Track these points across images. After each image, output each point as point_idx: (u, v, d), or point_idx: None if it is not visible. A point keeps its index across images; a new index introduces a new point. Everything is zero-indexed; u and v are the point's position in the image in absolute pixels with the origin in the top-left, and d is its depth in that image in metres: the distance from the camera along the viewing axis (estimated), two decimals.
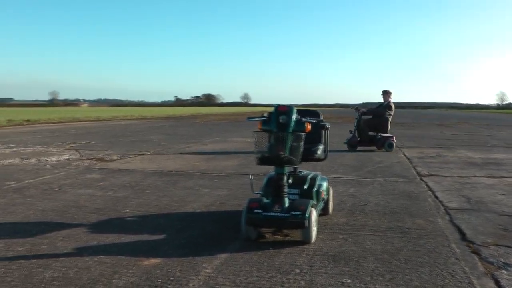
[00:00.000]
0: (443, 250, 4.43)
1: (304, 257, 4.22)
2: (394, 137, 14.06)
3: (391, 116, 14.40)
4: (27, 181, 8.13)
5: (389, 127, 14.33)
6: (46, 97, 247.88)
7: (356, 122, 14.27)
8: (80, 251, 4.35)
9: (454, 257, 4.24)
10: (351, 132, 14.24)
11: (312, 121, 4.85)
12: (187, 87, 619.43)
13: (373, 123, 14.22)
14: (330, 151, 5.91)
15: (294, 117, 4.71)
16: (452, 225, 5.37)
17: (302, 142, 4.71)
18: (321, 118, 5.46)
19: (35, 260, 4.12)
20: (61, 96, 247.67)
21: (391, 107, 14.38)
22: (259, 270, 3.88)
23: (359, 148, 13.99)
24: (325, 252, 4.35)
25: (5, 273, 3.83)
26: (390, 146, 13.78)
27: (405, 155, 12.62)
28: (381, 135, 13.93)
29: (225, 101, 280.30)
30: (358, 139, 14.13)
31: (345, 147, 14.07)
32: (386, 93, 14.57)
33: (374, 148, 13.93)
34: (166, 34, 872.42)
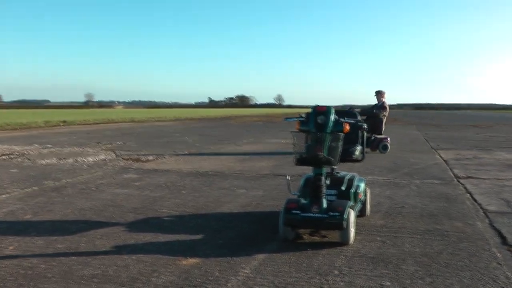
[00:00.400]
0: (484, 254, 4.32)
1: (343, 258, 4.17)
2: (388, 139, 13.76)
3: (385, 117, 14.18)
4: (64, 181, 8.22)
5: (384, 128, 14.09)
6: (81, 99, 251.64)
7: None
8: (119, 250, 4.37)
9: (495, 261, 4.12)
10: None
11: (350, 121, 4.80)
12: (221, 88, 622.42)
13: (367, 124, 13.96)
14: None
15: (332, 117, 4.67)
16: (492, 228, 5.24)
17: (340, 143, 4.67)
18: (359, 118, 5.41)
19: (75, 257, 4.16)
20: (96, 98, 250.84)
21: (385, 107, 14.15)
22: (298, 271, 3.84)
23: (391, 149, 13.76)
24: (363, 254, 4.29)
25: (46, 269, 3.86)
26: (385, 148, 13.51)
27: (441, 157, 12.44)
28: (375, 137, 13.63)
29: (258, 102, 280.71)
30: None
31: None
32: (379, 94, 14.32)
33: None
34: (200, 36, 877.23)
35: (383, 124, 14.03)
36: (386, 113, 14.17)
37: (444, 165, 10.73)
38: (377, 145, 13.52)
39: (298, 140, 4.85)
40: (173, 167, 10.10)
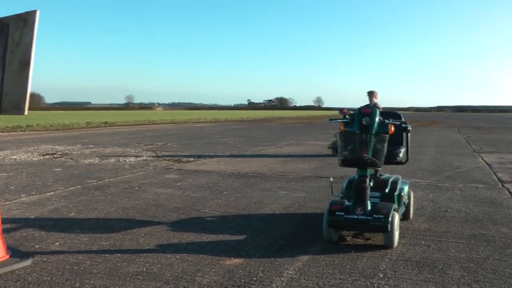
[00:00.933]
0: None
1: (387, 261, 4.11)
2: None
3: None
4: (107, 180, 8.31)
5: None
6: (122, 101, 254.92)
7: None
8: (162, 248, 4.39)
9: None
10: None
11: (395, 123, 4.74)
12: (260, 90, 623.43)
13: None
14: None
15: (377, 118, 4.61)
16: None
17: (385, 144, 4.61)
18: (403, 119, 5.32)
19: (119, 254, 4.20)
20: (136, 100, 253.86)
21: (378, 108, 13.92)
22: (342, 273, 3.80)
23: (433, 152, 13.54)
24: (408, 257, 4.22)
25: (91, 265, 3.91)
26: None
27: (484, 160, 12.21)
28: None
29: (297, 104, 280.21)
30: None
31: (417, 152, 13.68)
32: (371, 94, 14.06)
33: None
34: (238, 37, 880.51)
35: None
36: None
37: (488, 169, 10.52)
38: None
39: (343, 141, 4.81)
40: (214, 168, 10.13)
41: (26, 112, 3.74)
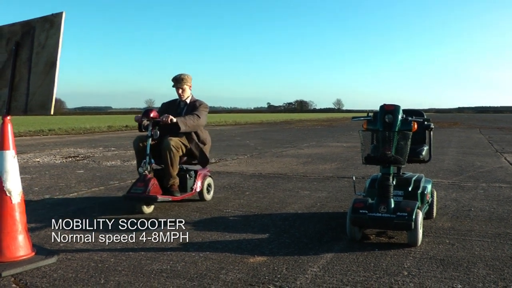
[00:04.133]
0: None
1: (411, 259, 4.08)
2: None
3: None
4: (130, 181, 8.34)
5: None
6: (142, 105, 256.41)
7: None
8: (186, 247, 4.41)
9: None
10: None
11: (418, 120, 4.70)
12: (280, 93, 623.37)
13: None
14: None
15: (400, 116, 4.58)
16: None
17: (408, 142, 4.58)
18: (425, 117, 5.27)
19: (143, 252, 4.24)
20: (156, 104, 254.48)
21: None
22: (366, 271, 3.79)
23: (455, 153, 13.42)
24: (432, 255, 4.19)
25: (116, 263, 3.95)
26: None
27: (507, 160, 12.06)
28: None
29: (317, 107, 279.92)
30: None
31: (439, 152, 13.58)
32: None
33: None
34: (259, 40, 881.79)
35: None
36: None
37: (511, 169, 10.40)
38: None
39: (366, 139, 4.79)
40: (236, 169, 10.14)
41: (52, 112, 3.78)
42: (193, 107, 6.48)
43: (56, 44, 3.90)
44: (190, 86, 6.59)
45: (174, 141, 6.02)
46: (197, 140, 6.37)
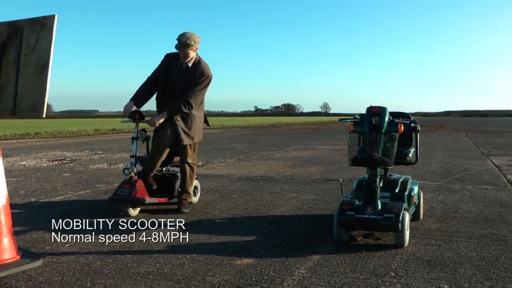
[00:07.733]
0: None
1: (398, 260, 4.11)
2: None
3: None
4: (116, 184, 8.28)
5: None
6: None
7: None
8: (173, 249, 4.40)
9: None
10: None
11: (405, 122, 4.72)
12: (267, 97, 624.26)
13: None
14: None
15: (386, 118, 4.61)
16: None
17: (395, 143, 4.61)
18: (412, 119, 5.30)
19: (130, 255, 4.22)
20: (143, 108, 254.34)
21: None
22: (353, 272, 3.81)
23: (441, 156, 13.49)
24: (419, 256, 4.22)
25: (102, 265, 3.94)
26: None
27: (493, 163, 12.14)
28: None
29: (304, 111, 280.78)
30: None
31: (426, 155, 13.64)
32: None
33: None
34: (245, 44, 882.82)
35: None
36: None
37: (497, 171, 10.47)
38: None
39: (353, 141, 4.81)
40: (223, 172, 10.12)
41: (44, 115, 3.77)
42: (193, 75, 6.04)
43: (48, 46, 3.88)
44: (197, 49, 6.04)
45: (191, 158, 6.22)
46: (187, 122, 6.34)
